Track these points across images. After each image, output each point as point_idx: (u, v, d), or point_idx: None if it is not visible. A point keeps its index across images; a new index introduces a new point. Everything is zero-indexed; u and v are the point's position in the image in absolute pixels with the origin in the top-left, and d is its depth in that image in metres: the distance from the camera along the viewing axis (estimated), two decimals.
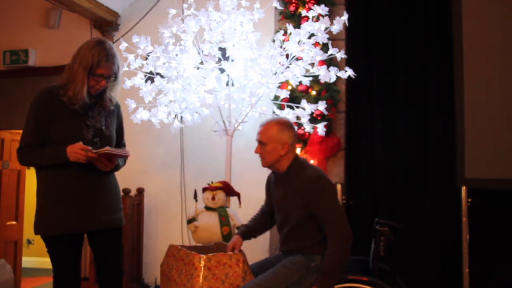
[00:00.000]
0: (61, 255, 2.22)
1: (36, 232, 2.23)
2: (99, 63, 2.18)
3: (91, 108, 2.28)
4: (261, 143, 2.38)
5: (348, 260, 2.22)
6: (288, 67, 3.29)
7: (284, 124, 2.41)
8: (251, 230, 2.61)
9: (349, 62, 3.47)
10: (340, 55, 3.23)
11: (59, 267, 2.23)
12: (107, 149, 2.18)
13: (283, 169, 2.40)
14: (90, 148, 2.16)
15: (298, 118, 3.38)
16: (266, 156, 2.38)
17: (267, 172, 3.83)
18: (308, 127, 3.43)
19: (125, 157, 2.36)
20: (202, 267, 2.25)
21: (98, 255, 2.36)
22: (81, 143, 2.16)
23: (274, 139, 2.36)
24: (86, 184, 2.23)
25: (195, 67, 3.35)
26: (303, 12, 3.71)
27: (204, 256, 2.27)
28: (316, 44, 3.27)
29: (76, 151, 2.12)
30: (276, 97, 3.55)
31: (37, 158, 2.19)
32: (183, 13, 3.39)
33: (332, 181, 2.42)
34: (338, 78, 3.27)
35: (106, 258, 2.35)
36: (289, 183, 2.37)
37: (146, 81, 3.45)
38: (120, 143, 2.47)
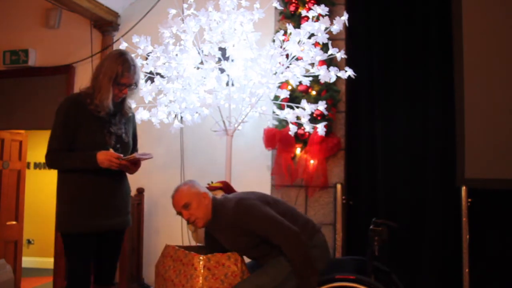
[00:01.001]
0: (80, 254, 2.33)
1: (60, 229, 2.36)
2: (123, 73, 2.34)
3: (113, 116, 2.43)
4: (185, 206, 2.40)
5: (308, 253, 2.25)
6: (288, 67, 3.29)
7: (190, 183, 2.49)
8: None
9: (349, 62, 3.47)
10: (340, 55, 3.23)
11: (76, 265, 2.33)
12: (135, 155, 2.35)
13: (210, 216, 2.43)
14: (121, 155, 2.31)
15: (298, 118, 3.38)
16: (198, 214, 2.39)
17: (266, 172, 3.87)
18: (308, 127, 3.43)
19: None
20: (202, 268, 2.25)
21: (101, 252, 2.45)
22: (112, 150, 2.32)
23: (193, 195, 2.41)
24: (108, 186, 2.38)
25: (195, 67, 3.35)
26: (303, 12, 3.71)
27: (204, 256, 2.28)
28: (316, 44, 3.28)
29: (110, 159, 2.27)
30: (276, 97, 3.55)
31: (66, 163, 2.32)
32: (183, 13, 3.39)
33: (252, 196, 2.45)
34: (338, 78, 3.27)
35: (107, 256, 2.49)
36: (221, 225, 2.41)
37: (146, 81, 3.45)
38: (134, 150, 2.63)
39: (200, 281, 2.23)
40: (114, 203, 2.41)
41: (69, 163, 2.31)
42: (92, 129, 2.33)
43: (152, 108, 3.47)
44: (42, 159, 7.51)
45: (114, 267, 2.54)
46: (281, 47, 3.25)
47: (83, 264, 2.34)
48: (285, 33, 3.35)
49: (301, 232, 2.29)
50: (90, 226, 2.31)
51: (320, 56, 3.22)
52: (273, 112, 3.61)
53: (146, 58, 3.39)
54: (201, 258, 2.27)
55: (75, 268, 2.33)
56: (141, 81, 3.43)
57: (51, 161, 2.34)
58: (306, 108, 3.34)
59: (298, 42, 3.20)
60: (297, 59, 3.30)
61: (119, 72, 2.32)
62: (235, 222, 2.34)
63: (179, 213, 2.45)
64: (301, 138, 3.62)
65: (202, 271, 2.24)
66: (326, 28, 3.14)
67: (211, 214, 2.42)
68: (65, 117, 2.31)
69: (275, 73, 3.28)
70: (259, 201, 2.41)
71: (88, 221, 2.31)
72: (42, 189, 6.52)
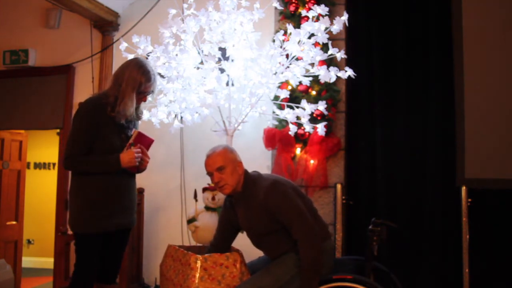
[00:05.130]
0: (92, 252, 2.38)
1: (77, 230, 2.39)
2: (146, 83, 2.45)
3: (129, 121, 2.51)
4: (219, 169, 2.38)
5: (320, 256, 2.24)
6: (288, 67, 3.29)
7: (229, 147, 2.49)
8: None
9: (349, 62, 3.46)
10: (340, 55, 3.23)
11: (87, 263, 2.38)
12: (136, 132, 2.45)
13: (240, 188, 2.41)
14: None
15: (298, 118, 3.38)
16: (228, 180, 2.38)
17: (266, 172, 3.85)
18: (308, 127, 3.43)
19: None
20: (198, 268, 2.24)
21: (107, 250, 2.49)
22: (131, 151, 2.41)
23: (230, 160, 2.40)
24: (121, 186, 2.46)
25: (195, 67, 3.35)
26: (303, 12, 3.70)
27: (200, 256, 2.27)
28: (316, 44, 3.27)
29: (132, 156, 2.37)
30: (276, 97, 3.55)
31: (88, 167, 2.37)
32: (183, 13, 3.39)
33: (287, 184, 2.43)
34: (338, 78, 3.27)
35: (113, 254, 2.54)
36: (248, 201, 2.39)
37: None
38: None
39: (196, 281, 2.22)
40: (127, 203, 2.48)
41: (91, 167, 2.36)
42: (111, 134, 2.41)
43: (152, 108, 3.47)
44: (42, 159, 7.52)
45: (119, 265, 2.58)
46: (281, 47, 3.24)
47: (93, 262, 2.39)
48: (285, 33, 3.35)
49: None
50: (105, 226, 2.38)
51: (320, 56, 3.22)
52: (273, 112, 3.61)
53: (146, 58, 3.39)
54: (197, 258, 2.26)
55: (85, 266, 2.38)
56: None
57: (73, 166, 2.39)
58: (306, 108, 3.34)
59: (298, 42, 3.19)
60: (297, 59, 3.29)
61: (142, 82, 2.42)
62: (264, 203, 2.30)
63: (210, 174, 2.42)
64: (301, 138, 3.62)
65: (198, 271, 2.24)
66: (326, 28, 3.14)
67: (241, 185, 2.40)
68: (88, 122, 2.37)
69: (275, 73, 3.27)
70: (292, 190, 2.39)
71: (105, 221, 2.37)
72: (42, 189, 6.52)
